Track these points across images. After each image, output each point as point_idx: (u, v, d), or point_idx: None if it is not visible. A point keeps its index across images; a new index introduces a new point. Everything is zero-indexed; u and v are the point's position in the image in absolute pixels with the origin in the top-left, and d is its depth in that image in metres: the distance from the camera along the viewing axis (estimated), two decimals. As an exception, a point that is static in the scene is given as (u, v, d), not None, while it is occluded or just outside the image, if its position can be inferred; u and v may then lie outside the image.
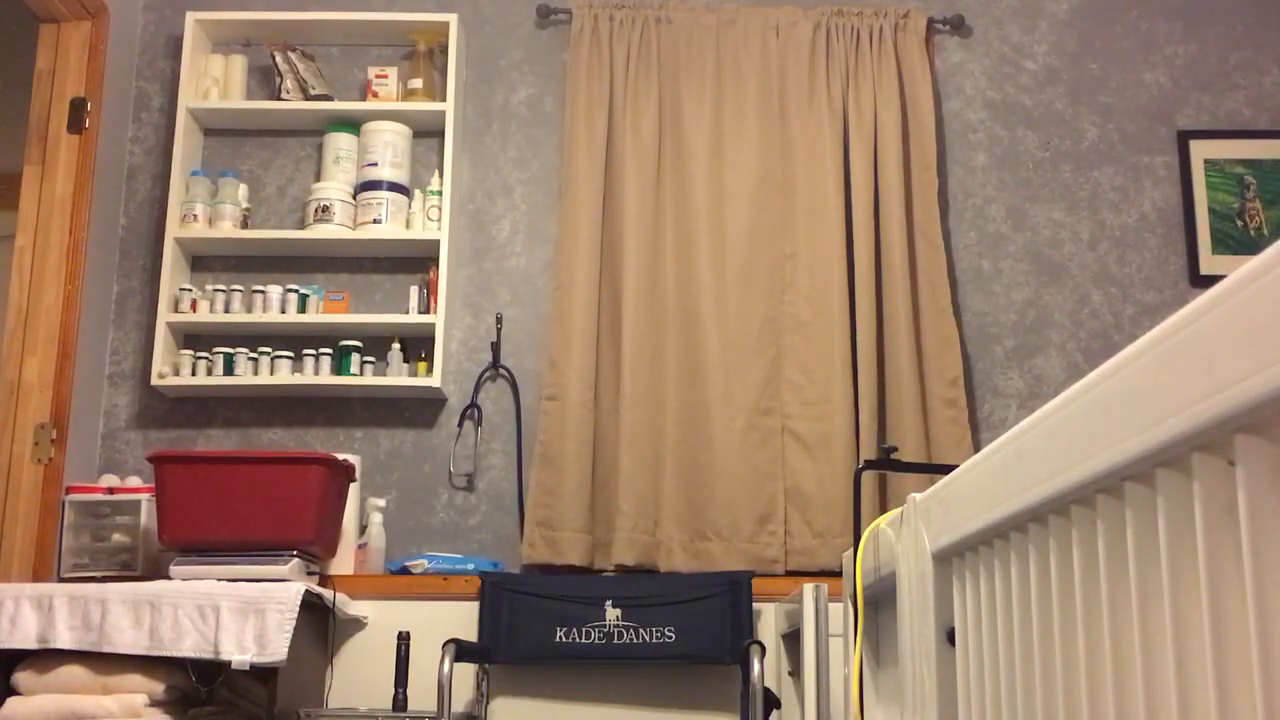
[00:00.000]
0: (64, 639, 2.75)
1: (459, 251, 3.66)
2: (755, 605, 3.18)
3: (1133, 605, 0.92)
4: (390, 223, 3.56)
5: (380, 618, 3.24)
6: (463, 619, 3.23)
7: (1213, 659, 0.78)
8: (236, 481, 2.97)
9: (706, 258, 3.52)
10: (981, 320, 3.62)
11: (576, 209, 3.56)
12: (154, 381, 3.46)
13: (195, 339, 3.62)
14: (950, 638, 1.44)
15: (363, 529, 3.38)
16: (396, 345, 3.55)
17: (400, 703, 3.03)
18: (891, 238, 3.52)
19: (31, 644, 2.76)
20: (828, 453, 3.41)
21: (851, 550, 1.87)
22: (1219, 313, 0.76)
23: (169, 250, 3.54)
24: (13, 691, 2.77)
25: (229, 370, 3.51)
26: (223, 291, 3.55)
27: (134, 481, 3.34)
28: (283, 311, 3.54)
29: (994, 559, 1.28)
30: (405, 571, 3.28)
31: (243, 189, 3.66)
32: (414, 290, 3.58)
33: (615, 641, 3.14)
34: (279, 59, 3.69)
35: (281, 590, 2.80)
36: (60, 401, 3.35)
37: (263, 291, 3.55)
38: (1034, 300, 3.62)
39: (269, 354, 3.52)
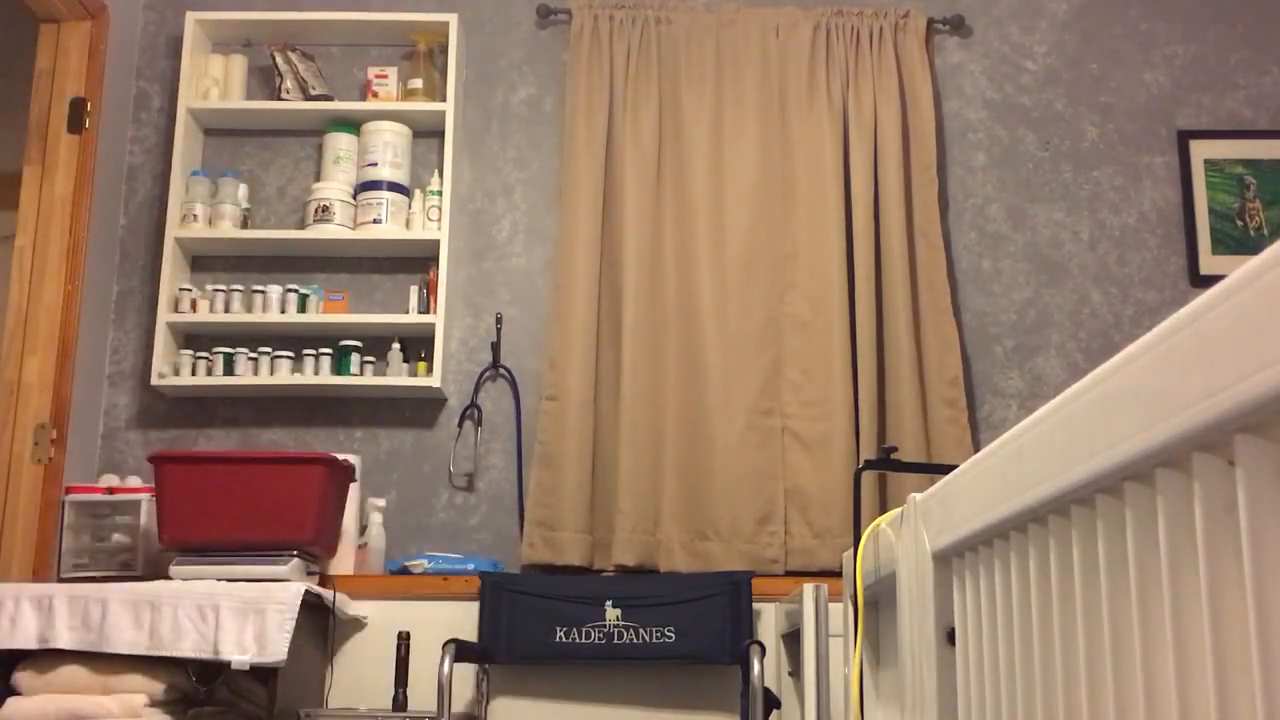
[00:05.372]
0: (64, 639, 2.75)
1: (459, 251, 3.66)
2: (755, 605, 3.18)
3: (1133, 605, 0.92)
4: (390, 223, 3.56)
5: (380, 618, 3.24)
6: (463, 619, 3.23)
7: (1213, 659, 0.78)
8: (236, 481, 2.97)
9: (706, 258, 3.52)
10: (981, 320, 3.62)
11: (576, 209, 3.56)
12: (154, 381, 3.46)
13: (195, 339, 3.62)
14: (950, 638, 1.44)
15: (363, 529, 3.38)
16: (396, 345, 3.55)
17: (400, 703, 3.03)
18: (891, 238, 3.52)
19: (31, 644, 2.76)
20: (828, 453, 3.41)
21: (851, 550, 1.87)
22: (1219, 313, 0.76)
23: (169, 250, 3.54)
24: (13, 691, 2.77)
25: (229, 370, 3.51)
26: (223, 291, 3.55)
27: (134, 481, 3.34)
28: (283, 311, 3.54)
29: (994, 559, 1.28)
30: (405, 571, 3.28)
31: (243, 189, 3.66)
32: (414, 290, 3.58)
33: (615, 641, 3.14)
34: (279, 59, 3.69)
35: (281, 590, 2.80)
36: (60, 401, 3.35)
37: (263, 291, 3.55)
38: (1034, 300, 3.62)
39: (269, 354, 3.52)
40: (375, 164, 3.59)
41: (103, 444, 3.57)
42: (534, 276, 3.66)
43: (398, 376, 3.50)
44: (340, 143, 3.64)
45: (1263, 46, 3.77)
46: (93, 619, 2.76)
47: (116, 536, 3.19)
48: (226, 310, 3.54)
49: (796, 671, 3.06)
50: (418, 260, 3.66)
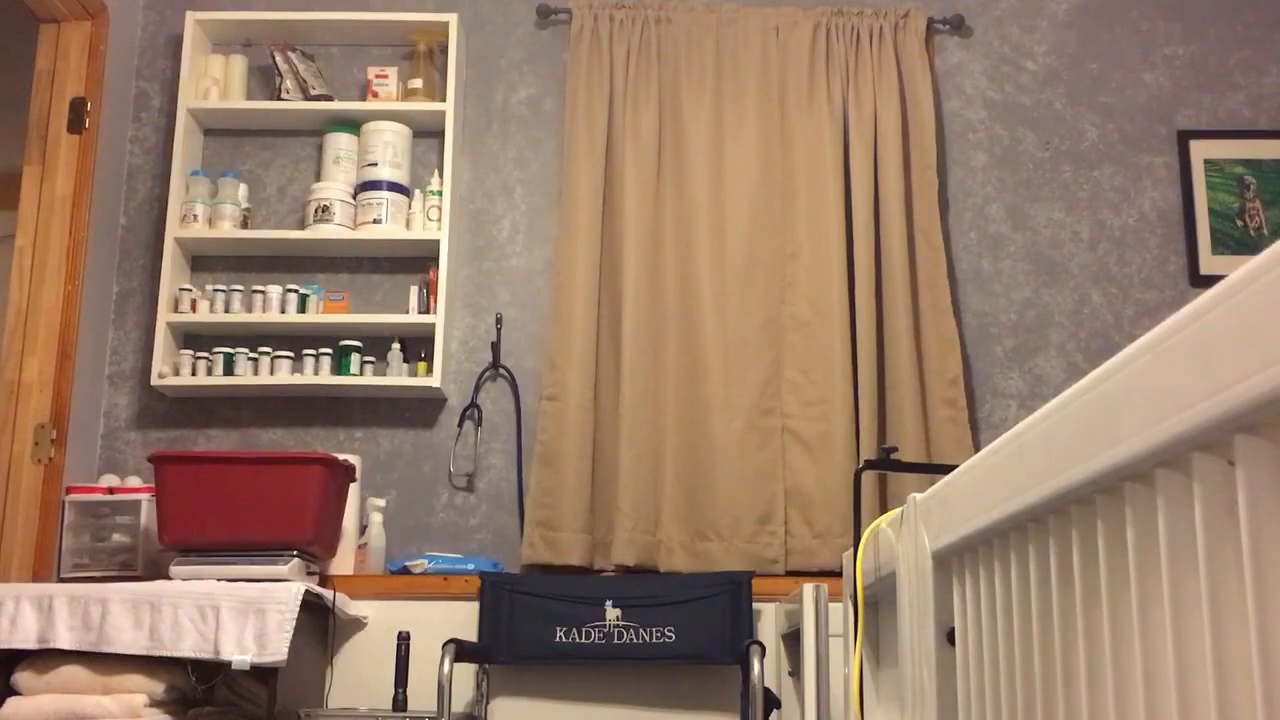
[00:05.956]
0: (64, 639, 2.75)
1: (459, 251, 3.66)
2: (755, 605, 3.18)
3: (1133, 605, 0.92)
4: (390, 223, 3.56)
5: (380, 618, 3.24)
6: (463, 619, 3.23)
7: (1213, 659, 0.78)
8: (236, 481, 2.97)
9: (706, 258, 3.52)
10: (981, 320, 3.62)
11: (576, 209, 3.56)
12: (154, 381, 3.46)
13: (195, 339, 3.62)
14: (950, 638, 1.44)
15: (363, 529, 3.38)
16: (396, 345, 3.55)
17: (400, 703, 3.03)
18: (891, 238, 3.52)
19: (31, 644, 2.76)
20: (828, 453, 3.41)
21: (851, 550, 1.87)
22: (1219, 313, 0.76)
23: (169, 250, 3.54)
24: (13, 691, 2.77)
25: (229, 370, 3.51)
26: (223, 291, 3.55)
27: (134, 481, 3.34)
28: (283, 311, 3.54)
29: (994, 559, 1.28)
30: (405, 571, 3.28)
31: (243, 189, 3.66)
32: (414, 290, 3.58)
33: (615, 641, 3.14)
34: (279, 59, 3.69)
35: (281, 590, 2.80)
36: (60, 401, 3.35)
37: (263, 291, 3.55)
38: (1034, 300, 3.62)
39: (269, 354, 3.52)
40: (375, 164, 3.59)
41: (103, 444, 3.57)
42: (534, 276, 3.66)
43: (398, 376, 3.50)
44: (340, 143, 3.64)
45: (1263, 46, 3.77)
46: (93, 619, 2.76)
47: (116, 536, 3.19)
48: (226, 310, 3.55)
49: (796, 671, 3.06)
50: (418, 260, 3.66)
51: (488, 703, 3.22)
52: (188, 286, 3.56)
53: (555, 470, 3.40)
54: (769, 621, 3.23)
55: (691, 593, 3.17)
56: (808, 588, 2.71)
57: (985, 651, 1.30)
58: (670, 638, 3.14)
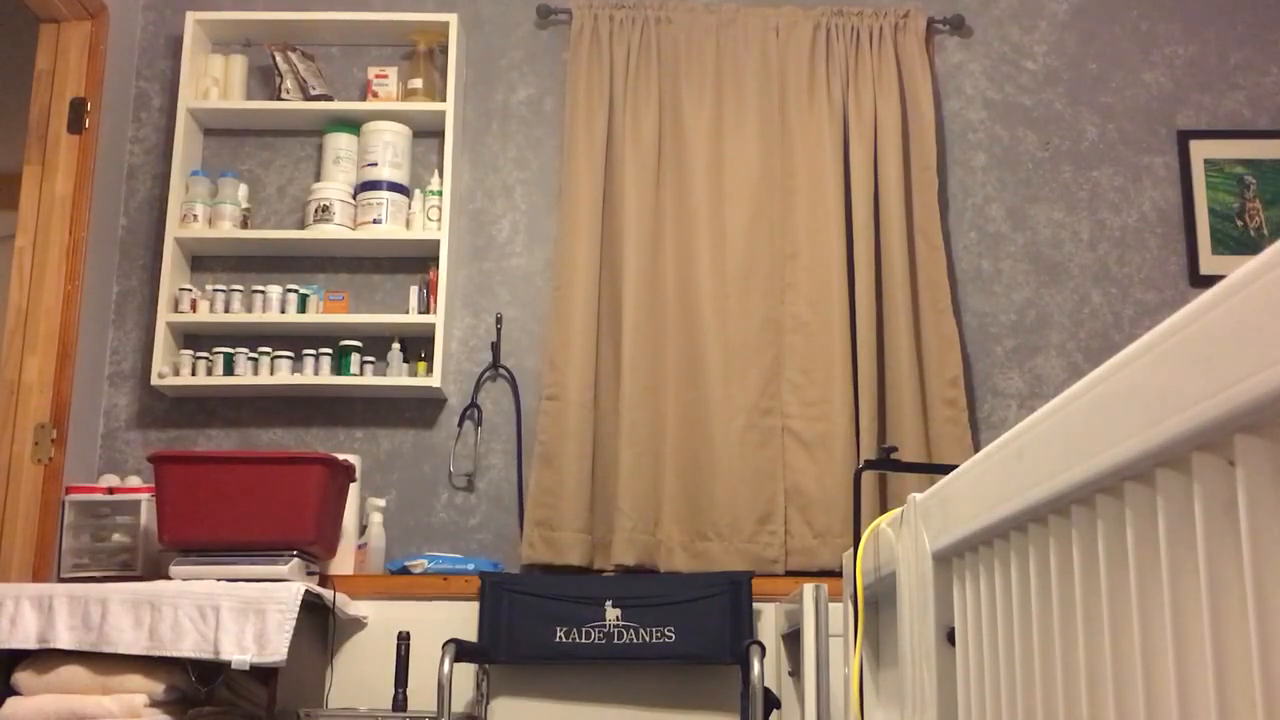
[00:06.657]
0: (64, 639, 2.75)
1: (459, 251, 3.66)
2: (755, 605, 3.18)
3: (1133, 605, 0.92)
4: (390, 223, 3.56)
5: (380, 618, 3.24)
6: (463, 619, 3.23)
7: (1213, 659, 0.78)
8: (236, 481, 2.97)
9: (706, 258, 3.52)
10: (981, 320, 3.62)
11: (576, 209, 3.56)
12: (154, 381, 3.46)
13: (195, 339, 3.62)
14: (950, 638, 1.44)
15: (363, 529, 3.38)
16: (396, 345, 3.55)
17: (400, 703, 3.03)
18: (891, 238, 3.52)
19: (31, 644, 2.76)
20: (828, 453, 3.41)
21: (851, 550, 1.87)
22: (1219, 313, 0.76)
23: (169, 250, 3.54)
24: (13, 691, 2.77)
25: (229, 370, 3.51)
26: (223, 291, 3.55)
27: (134, 481, 3.34)
28: (283, 311, 3.54)
29: (994, 559, 1.28)
30: (405, 571, 3.28)
31: (243, 189, 3.66)
32: (414, 290, 3.58)
33: (615, 641, 3.14)
34: (279, 59, 3.69)
35: (281, 590, 2.80)
36: (60, 401, 3.35)
37: (263, 291, 3.55)
38: (1034, 300, 3.62)
39: (269, 354, 3.52)
40: (375, 164, 3.60)
41: (103, 444, 3.57)
42: (534, 276, 3.66)
43: (398, 376, 3.50)
44: (340, 143, 3.64)
45: (1263, 46, 3.77)
46: (93, 619, 2.76)
47: (116, 536, 3.19)
48: (226, 310, 3.55)
49: (796, 671, 3.06)
50: (418, 260, 3.66)
51: (488, 703, 3.22)
52: (188, 286, 3.56)
53: (555, 470, 3.40)
54: (769, 621, 3.23)
55: (691, 593, 3.17)
56: (808, 588, 2.71)
57: (985, 651, 1.30)
58: (670, 638, 3.14)
